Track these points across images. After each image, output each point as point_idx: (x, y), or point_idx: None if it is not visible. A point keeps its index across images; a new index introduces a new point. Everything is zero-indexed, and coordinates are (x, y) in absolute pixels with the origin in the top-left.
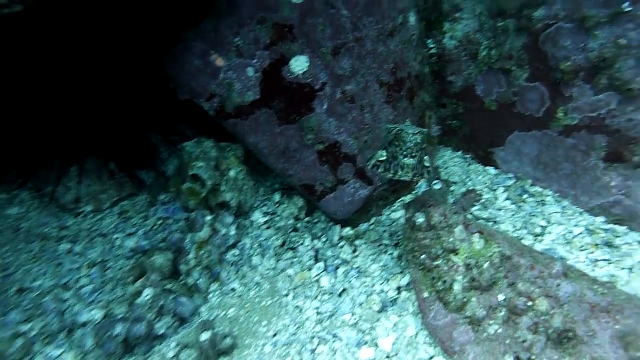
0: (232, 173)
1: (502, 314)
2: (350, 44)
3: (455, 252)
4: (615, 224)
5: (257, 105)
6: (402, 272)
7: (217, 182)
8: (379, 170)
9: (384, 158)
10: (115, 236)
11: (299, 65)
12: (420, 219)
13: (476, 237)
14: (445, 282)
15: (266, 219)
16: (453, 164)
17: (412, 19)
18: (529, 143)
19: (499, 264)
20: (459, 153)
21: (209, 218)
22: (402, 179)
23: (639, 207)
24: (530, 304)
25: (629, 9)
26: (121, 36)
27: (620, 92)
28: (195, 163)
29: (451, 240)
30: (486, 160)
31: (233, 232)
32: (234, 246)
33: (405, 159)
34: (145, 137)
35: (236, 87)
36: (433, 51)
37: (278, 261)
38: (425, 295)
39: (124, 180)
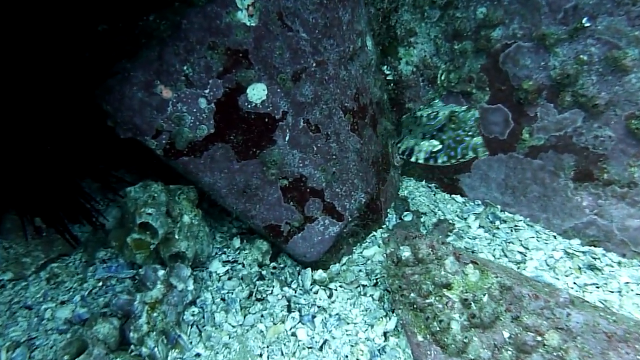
0: (185, 218)
1: (510, 353)
2: (312, 69)
3: (448, 286)
4: (592, 245)
5: (211, 139)
6: (386, 315)
7: (170, 230)
8: (440, 161)
9: (439, 147)
10: (44, 306)
11: (257, 93)
12: (406, 253)
13: (470, 268)
14: (441, 321)
15: (226, 268)
16: (419, 193)
17: (369, 42)
18: (494, 167)
19: (499, 296)
20: (423, 182)
21: (161, 273)
22: (481, 157)
23: (613, 226)
24: (539, 338)
25: (588, 24)
26: (41, 69)
27: (585, 108)
28: (144, 209)
29: (442, 273)
30: (452, 188)
31: (191, 286)
32: (192, 303)
33: (474, 139)
34: (77, 185)
35: (187, 121)
36: (389, 77)
37: (246, 315)
38: (419, 338)
39: (52, 238)
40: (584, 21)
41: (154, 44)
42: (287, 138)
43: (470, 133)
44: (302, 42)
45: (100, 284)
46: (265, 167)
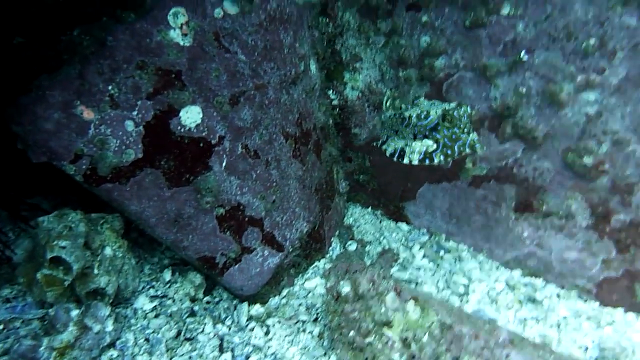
0: (107, 251)
1: None
2: (251, 92)
3: (388, 324)
4: (532, 276)
5: (139, 165)
6: (325, 354)
7: (88, 265)
8: (437, 161)
9: (434, 146)
10: None
11: (191, 116)
12: (346, 288)
13: (410, 305)
14: None
15: (154, 304)
16: (364, 221)
17: (313, 66)
18: (439, 196)
19: (440, 335)
20: (369, 209)
21: (75, 312)
22: (478, 153)
23: (552, 257)
24: None
25: (526, 58)
26: None
27: (524, 140)
28: (56, 242)
29: (383, 310)
30: (397, 215)
31: (110, 327)
32: (111, 345)
33: (470, 135)
34: None
35: (111, 145)
36: (335, 102)
37: (172, 358)
38: None
39: None
40: (522, 55)
41: (76, 61)
42: (224, 164)
43: (465, 130)
44: (240, 65)
45: (2, 327)
46: (199, 194)
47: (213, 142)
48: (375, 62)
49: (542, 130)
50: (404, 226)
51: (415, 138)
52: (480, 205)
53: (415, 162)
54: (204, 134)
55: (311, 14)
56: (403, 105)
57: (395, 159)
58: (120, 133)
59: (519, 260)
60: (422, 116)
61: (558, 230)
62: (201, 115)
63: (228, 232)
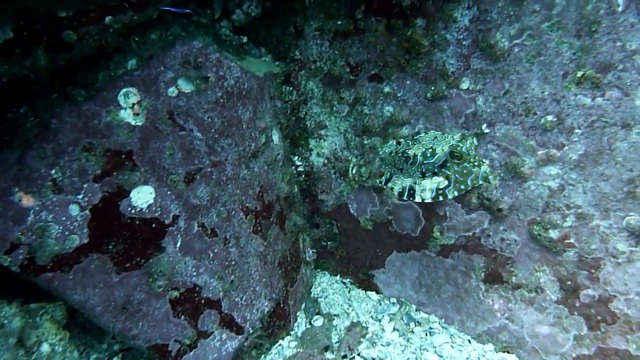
0: (44, 347)
1: None
2: (207, 169)
3: None
4: (505, 351)
5: (84, 251)
6: None
7: None
8: (451, 196)
9: (445, 183)
10: None
11: (142, 197)
12: None
13: None
14: None
15: None
16: (332, 290)
17: (276, 137)
18: (408, 264)
19: None
20: (338, 277)
21: None
22: (492, 184)
23: (524, 332)
24: None
25: (487, 131)
26: None
27: (490, 211)
28: None
29: None
30: (367, 283)
31: None
32: None
33: (482, 167)
34: None
35: (53, 232)
36: (300, 168)
37: None
38: None
39: None
40: (483, 127)
41: (16, 145)
42: (178, 244)
43: (476, 163)
44: (196, 142)
45: None
46: (151, 278)
47: (167, 222)
48: (340, 130)
49: (507, 202)
50: (373, 295)
51: (424, 176)
52: (450, 274)
53: (429, 200)
54: (156, 214)
55: (273, 84)
56: (402, 141)
57: (405, 197)
58: (64, 218)
59: (491, 333)
60: (428, 154)
61: (528, 303)
62: (154, 195)
63: (182, 317)
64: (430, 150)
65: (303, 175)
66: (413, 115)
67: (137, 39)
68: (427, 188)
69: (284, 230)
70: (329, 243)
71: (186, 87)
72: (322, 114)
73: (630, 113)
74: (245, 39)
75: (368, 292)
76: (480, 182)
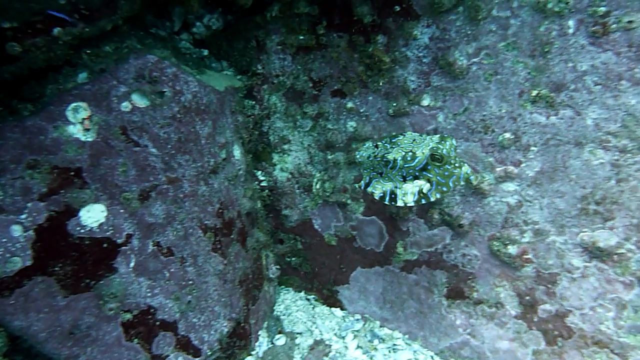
0: None
1: None
2: (163, 186)
3: None
4: None
5: (27, 273)
6: None
7: None
8: (433, 199)
9: (427, 186)
10: None
11: (93, 215)
12: None
13: None
14: None
15: None
16: (296, 308)
17: (237, 152)
18: (372, 280)
19: None
20: (302, 294)
21: None
22: (473, 184)
23: (485, 347)
24: None
25: None
26: None
27: (452, 227)
28: None
29: None
30: (331, 300)
31: None
32: None
33: (462, 168)
34: None
35: None
36: (264, 183)
37: None
38: None
39: None
40: None
41: None
42: (131, 265)
43: (457, 165)
44: (151, 158)
45: None
46: (101, 300)
47: (119, 241)
48: (304, 145)
49: (467, 217)
50: (338, 312)
51: (404, 180)
52: (413, 290)
53: (411, 204)
54: (108, 233)
55: (235, 98)
56: (380, 144)
57: (386, 202)
58: (4, 240)
59: (454, 349)
60: (409, 158)
61: (489, 318)
62: (105, 214)
63: (136, 340)
64: (411, 153)
65: (267, 190)
66: (376, 130)
67: (89, 51)
68: (409, 192)
69: (246, 247)
70: (293, 259)
71: (140, 101)
72: (286, 128)
73: (582, 132)
74: (206, 52)
75: (332, 309)
76: (462, 183)
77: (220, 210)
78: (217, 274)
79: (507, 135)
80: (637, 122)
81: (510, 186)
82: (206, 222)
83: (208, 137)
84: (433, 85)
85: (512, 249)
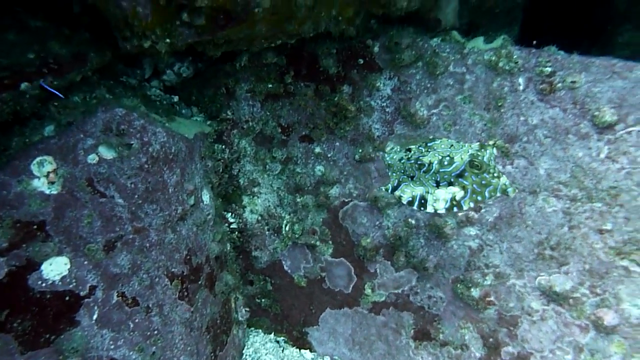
0: None
1: None
2: (129, 236)
3: None
4: None
5: None
6: None
7: None
8: (466, 207)
9: (461, 194)
10: None
11: (55, 268)
12: None
13: None
14: None
15: None
16: (265, 351)
17: (206, 197)
18: (342, 321)
19: None
20: (271, 336)
21: None
22: (510, 196)
23: None
24: None
25: None
26: None
27: (417, 269)
28: None
29: None
30: (301, 342)
31: None
32: None
33: (500, 179)
34: None
35: None
36: (234, 225)
37: None
38: None
39: None
40: None
41: None
42: (94, 317)
43: (495, 175)
44: (117, 209)
45: None
46: (61, 356)
47: (82, 293)
48: (273, 188)
49: (432, 260)
50: (307, 354)
51: (438, 185)
52: (381, 332)
53: (442, 211)
54: (71, 286)
55: (204, 144)
56: (413, 148)
57: (415, 207)
58: None
59: None
60: (445, 162)
61: None
62: (68, 266)
63: None
64: (448, 158)
65: (236, 232)
66: (343, 175)
67: (56, 103)
68: (440, 198)
69: (214, 292)
70: (263, 300)
71: (107, 154)
72: (255, 171)
73: (535, 181)
74: (176, 99)
75: (302, 351)
76: (498, 195)
77: (188, 257)
78: (183, 323)
79: None
80: (584, 173)
81: (472, 230)
82: (173, 269)
83: (176, 185)
84: (396, 134)
85: (474, 292)
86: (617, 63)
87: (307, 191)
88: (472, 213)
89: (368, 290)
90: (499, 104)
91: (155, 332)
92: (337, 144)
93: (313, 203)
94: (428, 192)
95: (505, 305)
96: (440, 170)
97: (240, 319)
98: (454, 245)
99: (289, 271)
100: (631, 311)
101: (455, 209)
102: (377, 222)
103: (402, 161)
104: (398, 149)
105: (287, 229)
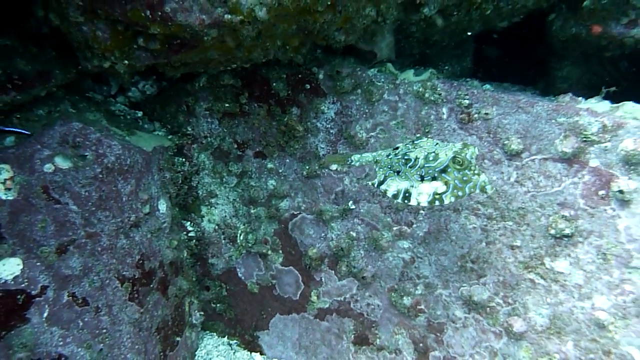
0: None
1: None
2: (82, 240)
3: None
4: None
5: None
6: None
7: None
8: (447, 202)
9: (443, 188)
10: None
11: (8, 269)
12: None
13: None
14: None
15: None
16: (217, 353)
17: (163, 206)
18: (289, 326)
19: None
20: (224, 339)
21: None
22: (488, 194)
23: None
24: None
25: (353, 207)
26: None
27: (357, 278)
28: None
29: None
30: (252, 345)
31: None
32: None
33: (480, 176)
34: None
35: None
36: (192, 233)
37: None
38: None
39: None
40: (349, 204)
41: None
42: (44, 315)
43: (476, 172)
44: (71, 215)
45: None
46: (10, 350)
47: (33, 292)
48: (230, 199)
49: (370, 270)
50: (257, 357)
51: (422, 180)
52: (325, 337)
53: (424, 204)
54: (22, 285)
55: (164, 157)
56: (400, 146)
57: (399, 200)
58: None
59: None
60: (430, 158)
61: None
62: (21, 267)
63: None
64: (433, 154)
65: (194, 240)
66: (293, 189)
67: (19, 116)
68: (424, 192)
69: (167, 295)
70: (217, 305)
71: (63, 164)
72: (213, 184)
73: (458, 200)
74: (140, 114)
75: (253, 354)
76: (477, 191)
77: (141, 261)
78: (132, 323)
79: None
80: (498, 195)
81: (405, 244)
82: (124, 273)
83: (130, 194)
84: (340, 153)
85: (407, 300)
86: (522, 99)
87: (260, 203)
88: (405, 227)
89: (314, 297)
90: (427, 130)
91: (104, 330)
92: (288, 160)
93: (265, 214)
94: (412, 186)
95: (433, 313)
96: (425, 165)
97: (194, 322)
98: (390, 257)
99: (243, 278)
100: (536, 319)
101: (437, 203)
102: (323, 234)
103: (389, 157)
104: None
105: (241, 238)
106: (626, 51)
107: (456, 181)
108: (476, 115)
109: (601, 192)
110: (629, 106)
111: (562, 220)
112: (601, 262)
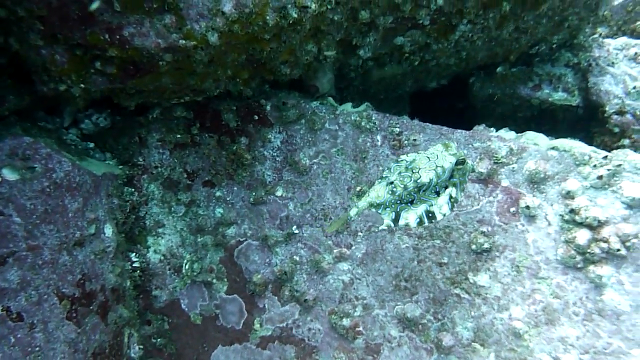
0: None
1: None
2: (22, 253)
3: None
4: None
5: None
6: None
7: None
8: (460, 198)
9: (454, 190)
10: None
11: None
12: None
13: None
14: None
15: None
16: None
17: (109, 230)
18: (231, 358)
19: None
20: None
21: None
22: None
23: None
24: None
25: (297, 231)
26: None
27: (299, 303)
28: None
29: None
30: None
31: None
32: None
33: (468, 162)
34: None
35: None
36: (136, 264)
37: None
38: None
39: None
40: (293, 228)
41: None
42: None
43: (466, 162)
44: (14, 226)
45: None
46: None
47: None
48: (177, 229)
49: (312, 294)
50: None
51: (438, 194)
52: None
53: (448, 212)
54: None
55: (113, 184)
56: (395, 180)
57: (427, 223)
58: None
59: None
60: (440, 172)
61: None
62: None
63: None
64: (440, 168)
65: (138, 271)
66: (239, 216)
67: None
68: (443, 204)
69: (106, 320)
70: (158, 340)
71: (11, 175)
72: (161, 213)
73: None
74: (92, 145)
75: None
76: (470, 174)
77: (82, 281)
78: (68, 342)
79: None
80: None
81: (345, 265)
82: (64, 290)
83: (77, 211)
84: (285, 179)
85: (346, 322)
86: (444, 128)
87: (207, 231)
88: (344, 249)
89: (257, 325)
90: (364, 156)
91: (37, 348)
92: (235, 188)
93: (212, 242)
94: (432, 205)
95: (370, 334)
96: (438, 181)
97: (132, 355)
98: (330, 279)
99: (186, 309)
100: (463, 333)
101: (455, 206)
102: (267, 260)
103: (395, 194)
104: (379, 188)
105: (187, 267)
106: (535, 112)
107: (460, 178)
108: (406, 142)
109: (512, 209)
110: (530, 134)
111: (481, 235)
112: (515, 274)
